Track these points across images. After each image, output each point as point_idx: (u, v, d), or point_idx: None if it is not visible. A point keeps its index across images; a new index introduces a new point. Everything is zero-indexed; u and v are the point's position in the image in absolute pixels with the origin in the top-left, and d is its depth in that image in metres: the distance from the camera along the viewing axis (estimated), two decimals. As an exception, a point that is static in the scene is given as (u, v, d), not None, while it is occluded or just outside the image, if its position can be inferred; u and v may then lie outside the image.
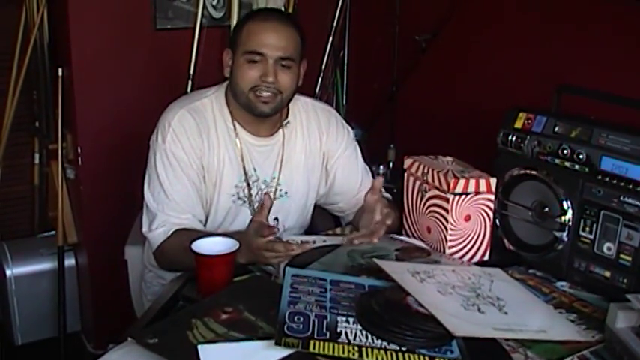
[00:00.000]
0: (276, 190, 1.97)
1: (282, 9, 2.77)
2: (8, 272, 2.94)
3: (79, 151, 2.79)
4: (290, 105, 1.97)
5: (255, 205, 1.94)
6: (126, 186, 2.55)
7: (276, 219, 1.98)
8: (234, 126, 1.90)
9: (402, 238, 1.92)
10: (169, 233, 1.80)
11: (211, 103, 1.91)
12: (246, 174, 1.92)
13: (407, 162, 1.98)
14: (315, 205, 2.10)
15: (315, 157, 2.02)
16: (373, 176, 2.17)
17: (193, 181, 1.85)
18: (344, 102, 3.10)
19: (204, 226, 1.91)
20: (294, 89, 1.88)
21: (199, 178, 1.87)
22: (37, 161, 3.15)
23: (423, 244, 1.89)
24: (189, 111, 1.87)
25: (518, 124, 1.88)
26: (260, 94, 1.81)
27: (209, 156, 1.87)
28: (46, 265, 3.01)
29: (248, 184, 1.92)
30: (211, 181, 1.89)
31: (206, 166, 1.87)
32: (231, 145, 1.90)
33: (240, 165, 1.91)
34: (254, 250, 1.64)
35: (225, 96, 1.92)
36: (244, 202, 1.93)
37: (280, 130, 1.96)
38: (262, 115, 1.86)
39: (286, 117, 1.97)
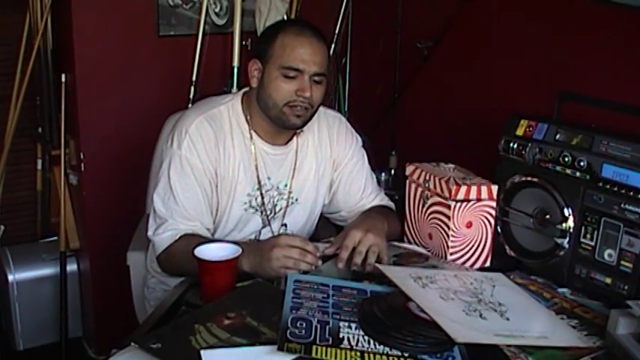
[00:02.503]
0: (288, 197, 1.97)
1: (285, 16, 2.78)
2: (10, 277, 2.94)
3: (82, 156, 2.80)
4: None
5: (268, 212, 1.95)
6: (128, 192, 2.56)
7: (285, 225, 1.99)
8: (251, 135, 1.90)
9: (400, 244, 1.92)
10: (177, 237, 1.79)
11: (228, 110, 1.90)
12: (259, 182, 1.92)
13: (409, 169, 1.99)
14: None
15: (326, 164, 2.03)
16: (379, 183, 2.18)
17: (205, 189, 1.85)
18: (346, 108, 3.10)
19: (214, 234, 1.91)
20: (321, 103, 1.90)
21: (212, 186, 1.86)
22: (39, 167, 3.16)
23: (420, 250, 1.89)
24: (206, 119, 1.86)
25: (519, 132, 1.89)
26: (295, 108, 1.81)
27: (224, 165, 1.87)
28: (48, 270, 3.01)
29: (261, 193, 1.93)
30: (225, 190, 1.88)
31: (220, 175, 1.87)
32: (246, 153, 1.90)
33: (254, 173, 1.91)
34: (266, 253, 1.62)
35: (242, 104, 1.92)
36: (256, 210, 1.94)
37: (294, 138, 1.97)
38: (293, 128, 1.88)
39: None
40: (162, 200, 1.84)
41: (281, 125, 1.86)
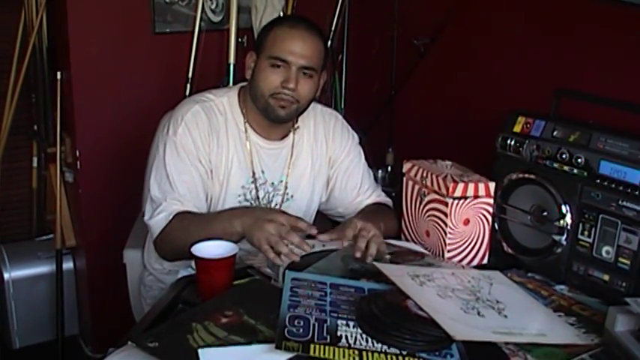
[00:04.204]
0: (283, 193, 1.98)
1: (281, 13, 2.77)
2: (6, 275, 2.93)
3: (78, 154, 2.79)
4: None
5: (264, 207, 1.95)
6: (125, 189, 2.55)
7: None
8: (246, 128, 1.92)
9: (394, 242, 1.92)
10: (171, 217, 1.80)
11: (223, 104, 1.92)
12: (254, 176, 1.93)
13: (406, 166, 1.99)
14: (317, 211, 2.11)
15: (322, 162, 2.03)
16: (376, 180, 2.18)
17: (200, 173, 1.86)
18: (342, 105, 3.10)
19: None
20: (312, 99, 1.90)
21: (207, 172, 1.88)
22: (35, 165, 3.15)
23: (416, 248, 1.89)
24: (202, 108, 1.88)
25: (517, 128, 1.89)
26: (279, 100, 1.82)
27: (217, 154, 1.88)
28: (44, 268, 3.01)
29: (256, 187, 1.93)
30: (218, 179, 1.90)
31: (214, 163, 1.88)
32: (240, 146, 1.91)
33: (248, 167, 1.92)
34: (260, 222, 1.64)
35: (238, 97, 1.94)
36: (251, 204, 1.94)
37: (290, 134, 1.98)
38: (277, 121, 1.88)
39: (296, 121, 1.99)
40: (159, 185, 1.85)
41: (267, 117, 1.87)
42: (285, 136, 1.97)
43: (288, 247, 1.60)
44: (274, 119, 1.87)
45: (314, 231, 1.68)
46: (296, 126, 1.98)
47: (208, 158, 1.87)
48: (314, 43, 1.83)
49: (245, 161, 1.92)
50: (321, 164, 2.03)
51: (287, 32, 1.82)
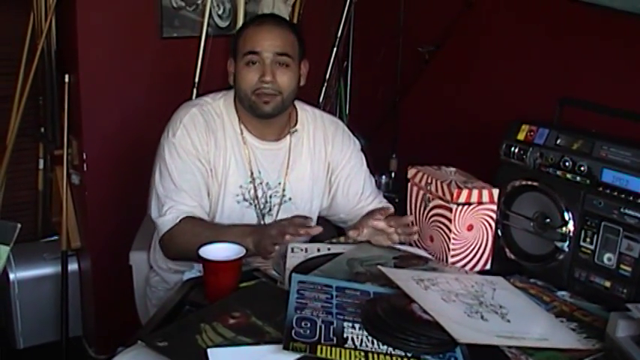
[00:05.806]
0: (282, 195, 2.00)
1: (287, 19, 2.79)
2: (11, 276, 2.94)
3: (85, 156, 2.81)
4: (299, 114, 2.03)
5: (262, 206, 1.99)
6: (130, 192, 2.57)
7: None
8: (241, 129, 1.96)
9: (399, 247, 1.93)
10: (178, 220, 1.85)
11: (220, 106, 1.98)
12: (252, 175, 1.96)
13: (411, 172, 2.01)
14: (319, 216, 2.13)
15: (321, 167, 2.05)
16: (378, 187, 2.20)
17: (201, 172, 1.91)
18: (347, 111, 3.12)
19: None
20: (295, 89, 1.94)
21: (207, 171, 1.92)
22: (41, 166, 3.17)
23: (420, 253, 1.91)
24: (200, 111, 1.94)
25: (520, 136, 1.91)
26: (261, 95, 1.87)
27: (216, 155, 1.93)
28: (49, 269, 3.02)
29: (254, 186, 1.97)
30: (217, 179, 1.94)
31: (213, 163, 1.93)
32: (238, 147, 1.95)
33: (246, 167, 1.96)
34: (267, 230, 1.72)
35: (234, 100, 1.98)
36: (250, 203, 1.97)
37: (287, 137, 2.01)
38: (265, 116, 1.92)
39: (295, 124, 2.02)
40: (163, 186, 1.90)
41: (254, 114, 1.92)
42: (281, 137, 2.00)
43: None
44: (261, 115, 1.92)
45: (314, 227, 1.74)
46: (293, 129, 2.01)
47: (207, 158, 1.92)
48: (282, 32, 1.90)
49: (242, 161, 1.96)
50: (319, 169, 2.06)
51: (254, 29, 1.90)
